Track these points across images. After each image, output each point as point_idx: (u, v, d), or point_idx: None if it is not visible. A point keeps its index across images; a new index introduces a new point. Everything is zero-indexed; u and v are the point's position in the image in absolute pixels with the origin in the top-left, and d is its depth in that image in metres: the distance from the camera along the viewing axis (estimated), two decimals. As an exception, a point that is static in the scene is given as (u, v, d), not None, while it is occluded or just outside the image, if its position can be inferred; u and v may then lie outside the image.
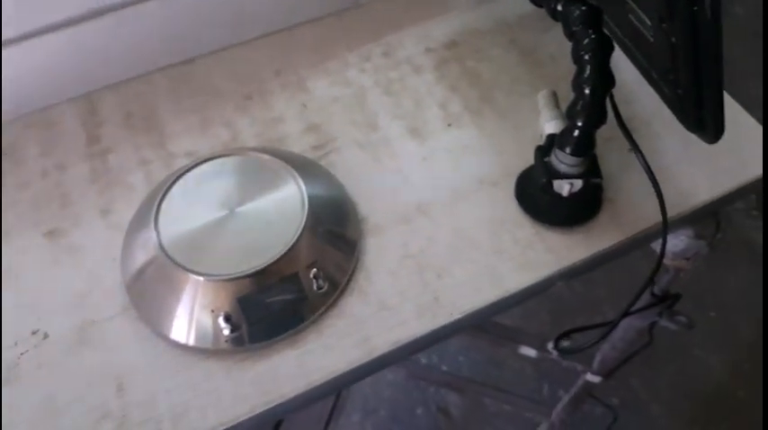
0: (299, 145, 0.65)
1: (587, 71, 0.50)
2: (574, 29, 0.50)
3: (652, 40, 0.51)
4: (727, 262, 1.59)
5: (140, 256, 0.54)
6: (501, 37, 0.72)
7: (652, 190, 0.53)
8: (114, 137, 0.66)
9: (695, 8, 0.43)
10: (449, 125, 0.66)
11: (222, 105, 0.68)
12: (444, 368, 1.42)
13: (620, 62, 0.63)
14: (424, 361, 1.42)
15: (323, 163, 0.63)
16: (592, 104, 0.50)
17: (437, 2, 0.76)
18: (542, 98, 0.61)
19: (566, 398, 1.10)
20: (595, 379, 0.95)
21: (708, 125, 0.52)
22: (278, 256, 0.49)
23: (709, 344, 1.46)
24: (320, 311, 0.52)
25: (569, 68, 0.52)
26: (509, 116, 0.66)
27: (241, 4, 0.69)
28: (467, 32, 0.73)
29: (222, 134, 0.65)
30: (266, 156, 0.56)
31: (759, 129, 0.64)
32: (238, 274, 0.48)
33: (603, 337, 0.58)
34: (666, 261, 0.64)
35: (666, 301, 0.71)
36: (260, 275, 0.49)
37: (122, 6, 0.63)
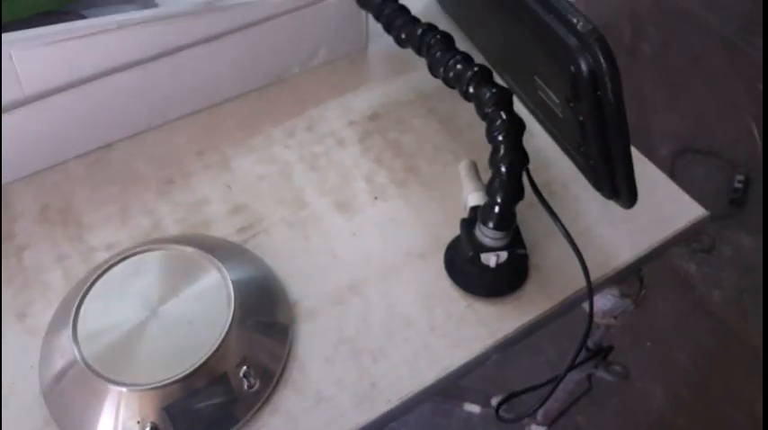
0: (225, 228, 0.63)
1: (502, 151, 0.51)
2: (486, 110, 0.52)
3: (561, 116, 0.53)
4: (658, 291, 1.64)
5: (59, 365, 0.51)
6: (420, 107, 0.73)
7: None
8: (30, 232, 0.63)
9: (598, 92, 0.45)
10: (375, 198, 0.66)
11: (143, 191, 0.66)
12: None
13: (536, 127, 0.65)
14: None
15: (250, 245, 0.62)
16: (509, 182, 0.51)
17: (357, 74, 0.77)
18: (463, 169, 0.62)
19: (514, 447, 1.10)
20: (541, 429, 0.95)
21: (622, 193, 0.54)
22: (204, 359, 0.48)
23: (648, 375, 1.49)
24: (253, 411, 0.50)
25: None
26: (434, 186, 0.67)
27: (159, 87, 0.68)
28: (387, 104, 0.74)
29: (143, 223, 0.64)
30: (189, 249, 0.55)
31: (671, 185, 0.67)
32: (162, 383, 0.46)
33: (542, 405, 0.58)
34: (596, 319, 0.65)
35: (600, 354, 0.73)
36: (186, 381, 0.47)
37: (37, 99, 0.61)
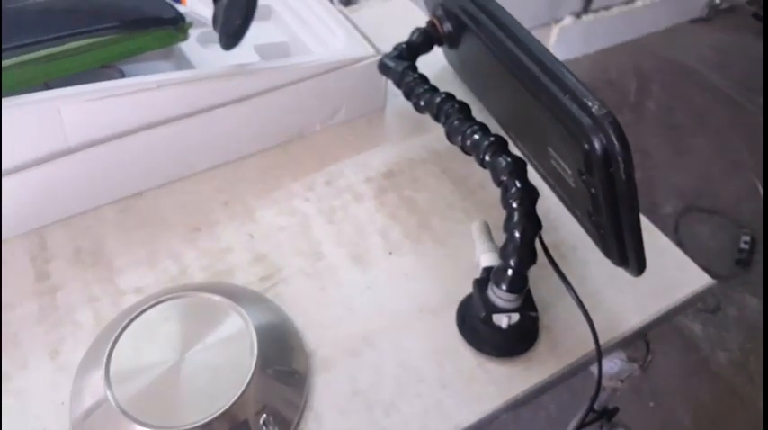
0: (247, 276, 0.66)
1: (515, 217, 0.54)
2: (501, 178, 0.55)
3: (573, 185, 0.56)
4: (662, 350, 1.64)
5: (89, 404, 0.53)
6: (434, 167, 0.77)
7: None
8: (63, 273, 0.66)
9: (611, 169, 0.48)
10: (390, 253, 0.69)
11: (170, 238, 0.69)
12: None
13: (547, 189, 0.68)
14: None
15: (270, 294, 0.65)
16: (522, 247, 0.54)
17: (374, 133, 0.81)
18: (476, 230, 0.65)
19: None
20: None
21: (631, 262, 0.56)
22: (228, 405, 0.50)
23: (651, 434, 1.49)
24: (271, 457, 0.52)
25: (498, 194, 0.57)
26: (446, 243, 0.70)
27: (189, 142, 0.72)
28: (402, 162, 0.78)
29: (170, 268, 0.67)
30: (216, 297, 0.58)
31: (678, 252, 0.69)
32: (188, 426, 0.49)
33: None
34: (603, 382, 0.67)
35: (605, 416, 0.74)
36: (210, 426, 0.49)
37: (79, 149, 0.65)
